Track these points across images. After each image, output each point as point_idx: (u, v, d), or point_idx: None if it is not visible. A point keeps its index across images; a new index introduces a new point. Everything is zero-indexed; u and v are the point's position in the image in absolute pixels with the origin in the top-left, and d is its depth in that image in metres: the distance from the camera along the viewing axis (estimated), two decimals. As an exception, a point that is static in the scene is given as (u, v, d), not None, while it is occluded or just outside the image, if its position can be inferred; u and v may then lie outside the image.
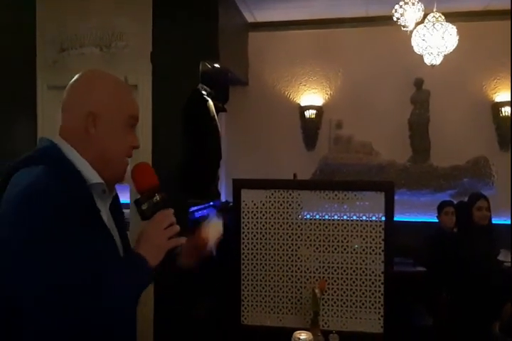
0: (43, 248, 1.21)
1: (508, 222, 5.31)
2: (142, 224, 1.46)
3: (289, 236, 2.74)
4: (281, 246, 2.75)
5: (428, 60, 4.43)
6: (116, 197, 1.60)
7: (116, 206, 1.58)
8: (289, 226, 2.74)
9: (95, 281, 1.25)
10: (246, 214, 2.78)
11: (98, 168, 1.44)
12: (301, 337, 2.29)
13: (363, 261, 2.67)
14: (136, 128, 1.55)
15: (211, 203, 5.10)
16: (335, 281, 2.69)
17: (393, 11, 4.23)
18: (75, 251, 1.25)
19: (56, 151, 1.41)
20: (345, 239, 2.69)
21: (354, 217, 2.70)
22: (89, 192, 1.40)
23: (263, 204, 2.77)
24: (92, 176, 1.42)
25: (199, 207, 4.78)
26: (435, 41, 4.26)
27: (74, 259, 1.24)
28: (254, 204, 2.78)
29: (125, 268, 1.35)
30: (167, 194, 1.48)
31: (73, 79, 1.49)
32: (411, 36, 4.35)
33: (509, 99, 5.66)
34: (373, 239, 2.66)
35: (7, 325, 1.27)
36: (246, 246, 2.78)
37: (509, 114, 5.64)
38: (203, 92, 4.29)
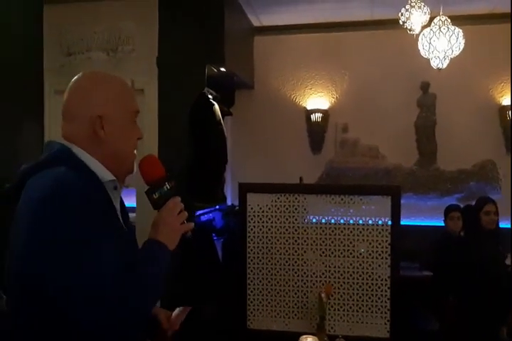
0: (78, 245, 1.25)
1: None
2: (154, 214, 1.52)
3: (295, 241, 2.74)
4: (287, 250, 2.74)
5: (434, 64, 4.42)
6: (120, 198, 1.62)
7: (120, 202, 1.61)
8: (295, 230, 2.74)
9: (126, 274, 1.30)
10: (252, 218, 2.78)
11: (109, 166, 1.48)
12: (307, 342, 2.29)
13: (369, 265, 2.67)
14: (142, 130, 1.59)
15: (217, 207, 5.10)
16: (341, 285, 2.69)
17: (399, 14, 4.23)
18: (106, 246, 1.30)
19: (69, 153, 1.44)
20: (351, 243, 2.69)
21: (360, 221, 2.69)
22: (105, 190, 1.46)
23: (269, 208, 2.77)
24: (105, 174, 1.47)
25: (205, 210, 4.78)
26: (441, 44, 4.25)
27: (105, 254, 1.28)
28: (260, 208, 2.78)
29: (149, 256, 1.41)
30: (175, 181, 1.54)
31: (70, 84, 1.51)
32: (417, 40, 4.35)
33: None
34: (379, 244, 2.66)
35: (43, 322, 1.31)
36: (252, 250, 2.77)
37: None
38: (209, 96, 4.30)
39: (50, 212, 1.26)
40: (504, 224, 4.37)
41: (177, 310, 1.74)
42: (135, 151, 1.57)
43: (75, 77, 1.52)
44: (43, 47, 4.34)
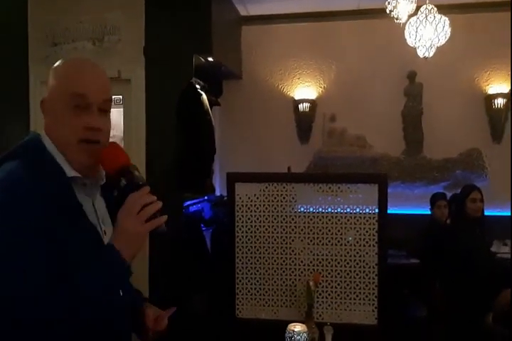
0: (8, 243, 1.18)
1: (501, 214, 5.36)
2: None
3: (283, 229, 2.75)
4: (275, 239, 2.76)
5: (421, 53, 4.43)
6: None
7: (108, 202, 1.53)
8: (283, 219, 2.75)
9: (62, 280, 1.20)
10: (240, 208, 2.79)
11: (67, 158, 1.36)
12: (296, 330, 2.30)
13: (357, 253, 2.69)
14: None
15: (205, 197, 5.11)
16: (329, 274, 2.71)
17: (386, 3, 4.23)
18: (39, 247, 1.20)
19: (38, 144, 1.36)
20: (339, 231, 2.70)
21: (348, 210, 2.71)
22: (68, 185, 1.34)
23: (257, 198, 2.78)
24: (67, 169, 1.35)
25: (193, 201, 4.79)
26: (428, 33, 4.26)
27: (37, 258, 1.20)
28: (249, 198, 2.79)
29: (97, 265, 1.27)
30: (137, 172, 1.36)
31: None
32: (404, 29, 4.36)
33: (502, 91, 5.68)
34: (367, 231, 2.68)
35: None
36: (240, 239, 2.79)
37: (502, 106, 5.66)
38: (197, 86, 4.29)
39: None
40: (489, 212, 4.41)
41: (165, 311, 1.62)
42: (88, 142, 1.37)
43: None
44: (27, 37, 4.31)
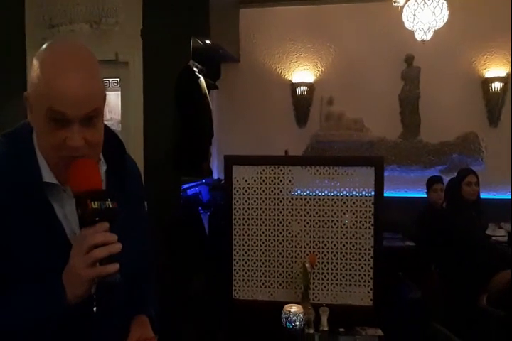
0: None
1: (496, 197, 5.40)
2: None
3: (280, 212, 2.77)
4: (272, 222, 2.78)
5: (419, 36, 4.43)
6: (122, 182, 1.33)
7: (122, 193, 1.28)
8: (280, 201, 2.77)
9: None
10: (237, 190, 2.81)
11: (48, 164, 1.21)
12: (292, 310, 2.34)
13: (353, 235, 2.72)
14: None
15: (203, 180, 5.13)
16: (325, 255, 2.74)
17: (384, -14, 4.22)
18: None
19: (25, 134, 1.24)
20: (335, 214, 2.73)
21: (344, 193, 2.73)
22: (38, 191, 1.18)
23: (254, 181, 2.80)
24: (46, 173, 1.21)
25: (191, 184, 4.81)
26: (426, 16, 4.26)
27: None
28: (246, 181, 2.81)
29: (36, 289, 1.14)
30: (97, 204, 1.12)
31: None
32: (402, 12, 4.35)
33: (499, 75, 5.68)
34: (363, 214, 2.70)
35: None
36: (237, 221, 2.81)
37: (499, 90, 5.66)
38: (195, 69, 4.28)
39: None
40: (485, 195, 4.45)
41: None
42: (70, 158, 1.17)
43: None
44: (24, 19, 4.28)
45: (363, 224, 2.70)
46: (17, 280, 1.13)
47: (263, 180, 2.79)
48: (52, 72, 1.13)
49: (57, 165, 1.18)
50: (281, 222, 2.77)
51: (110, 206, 1.12)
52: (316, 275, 2.73)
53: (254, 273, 2.82)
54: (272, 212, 2.78)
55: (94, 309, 1.16)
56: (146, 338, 1.37)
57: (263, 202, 2.79)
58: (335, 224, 2.73)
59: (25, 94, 1.19)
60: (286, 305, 2.38)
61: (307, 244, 2.76)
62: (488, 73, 5.72)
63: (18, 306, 1.12)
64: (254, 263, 2.81)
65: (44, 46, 1.20)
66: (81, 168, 1.15)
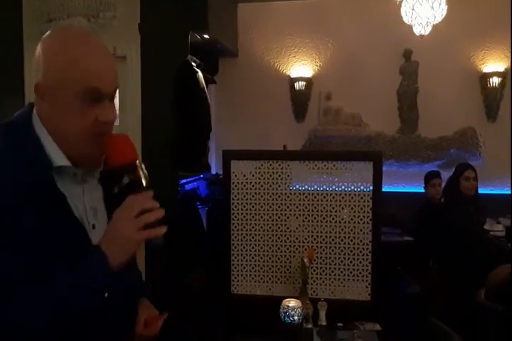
0: None
1: (494, 192, 5.41)
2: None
3: (279, 207, 2.77)
4: (270, 217, 2.78)
5: (417, 30, 4.43)
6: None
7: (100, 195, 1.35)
8: (279, 196, 2.77)
9: (34, 279, 1.10)
10: (236, 185, 2.80)
11: (64, 148, 1.21)
12: (290, 305, 2.34)
13: (351, 230, 2.71)
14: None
15: (201, 175, 5.12)
16: (323, 250, 2.73)
17: (383, -20, 4.21)
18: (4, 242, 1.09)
19: (24, 123, 1.24)
20: (333, 208, 2.72)
21: (342, 187, 2.72)
22: (49, 174, 1.18)
23: (253, 175, 2.79)
24: (56, 157, 1.20)
25: (189, 179, 4.80)
26: (424, 11, 4.25)
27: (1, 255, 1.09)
28: (244, 176, 2.80)
29: (77, 266, 1.15)
30: (142, 172, 1.21)
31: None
32: (400, 6, 4.34)
33: (497, 70, 5.68)
34: (361, 209, 2.70)
35: None
36: (236, 216, 2.81)
37: (497, 85, 5.66)
38: (193, 64, 4.27)
39: None
40: (483, 190, 4.45)
41: (155, 316, 1.46)
42: (102, 135, 1.23)
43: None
44: (22, 13, 4.26)
45: (361, 219, 2.70)
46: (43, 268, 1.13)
47: (261, 175, 2.78)
48: (81, 52, 1.18)
49: (87, 147, 1.21)
50: (279, 217, 2.77)
51: (147, 175, 1.21)
52: (314, 270, 2.73)
53: (253, 267, 2.81)
54: (270, 206, 2.78)
55: (106, 294, 1.17)
56: (155, 317, 1.43)
57: (261, 196, 2.79)
58: (333, 218, 2.73)
59: (38, 83, 1.20)
60: (285, 300, 2.38)
61: (305, 239, 2.76)
62: (487, 68, 5.72)
63: (65, 289, 1.12)
64: (253, 258, 2.81)
65: (50, 33, 1.24)
66: (122, 141, 1.22)
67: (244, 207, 2.80)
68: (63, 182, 1.21)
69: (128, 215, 1.15)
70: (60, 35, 1.24)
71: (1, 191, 1.11)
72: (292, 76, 6.07)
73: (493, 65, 5.70)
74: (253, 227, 2.79)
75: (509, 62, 5.65)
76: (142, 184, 1.19)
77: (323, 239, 2.73)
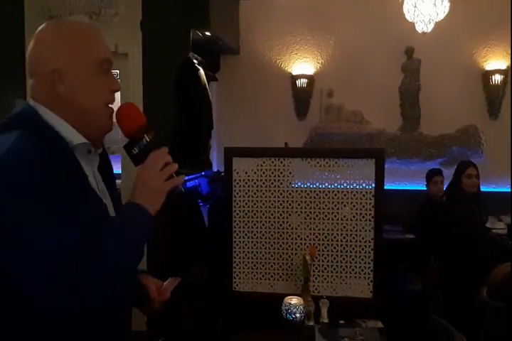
0: (36, 215, 1.14)
1: (496, 190, 5.40)
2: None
3: (280, 204, 2.77)
4: (272, 214, 2.78)
5: (419, 28, 4.42)
6: (105, 158, 1.49)
7: (106, 167, 1.48)
8: (280, 194, 2.77)
9: (95, 242, 1.18)
10: (238, 183, 2.81)
11: (80, 126, 1.33)
12: (292, 303, 2.34)
13: (353, 227, 2.71)
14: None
15: (203, 173, 5.12)
16: (325, 248, 2.73)
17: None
18: (62, 222, 1.17)
19: (33, 114, 1.31)
20: (335, 206, 2.72)
21: (344, 185, 2.73)
22: (72, 155, 1.31)
23: (254, 173, 2.79)
24: (74, 137, 1.32)
25: (190, 176, 4.79)
26: (427, 8, 4.25)
27: (68, 224, 1.17)
28: (246, 173, 2.80)
29: (124, 222, 1.28)
30: (154, 132, 1.38)
31: (33, 37, 1.36)
32: (402, 4, 4.33)
33: (499, 68, 5.67)
34: (363, 206, 2.70)
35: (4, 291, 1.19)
36: (238, 214, 2.81)
37: (499, 83, 5.65)
38: (194, 61, 4.26)
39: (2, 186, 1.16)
40: (485, 188, 4.45)
41: (167, 281, 1.61)
42: (111, 105, 1.39)
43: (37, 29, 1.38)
44: (23, 10, 4.26)
45: (363, 217, 2.70)
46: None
47: (263, 172, 2.79)
48: (85, 31, 1.36)
49: (103, 118, 1.36)
50: (281, 214, 2.77)
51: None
52: (316, 268, 2.73)
53: (255, 265, 2.82)
54: (272, 204, 2.78)
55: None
56: (167, 283, 1.60)
57: (263, 194, 2.79)
58: (335, 216, 2.73)
59: (55, 68, 1.30)
60: (287, 297, 2.38)
61: (307, 236, 2.76)
62: (489, 66, 5.71)
63: (120, 236, 1.24)
64: (255, 255, 2.81)
65: (47, 26, 1.37)
66: (133, 108, 1.39)
67: (246, 204, 2.80)
68: (84, 157, 1.35)
69: (155, 169, 1.31)
70: (60, 23, 1.41)
71: (37, 169, 1.18)
72: (294, 73, 6.05)
73: (495, 62, 5.69)
74: (255, 225, 2.80)
75: (510, 59, 5.64)
76: (156, 142, 1.36)
77: (325, 237, 2.74)
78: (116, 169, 4.00)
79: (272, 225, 2.78)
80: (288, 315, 2.31)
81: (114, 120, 1.40)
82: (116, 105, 1.40)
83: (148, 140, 1.35)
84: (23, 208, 1.15)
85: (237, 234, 2.82)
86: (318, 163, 2.74)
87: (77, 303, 1.16)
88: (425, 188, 4.80)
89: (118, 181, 3.81)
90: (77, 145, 1.32)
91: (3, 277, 1.16)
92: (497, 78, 5.65)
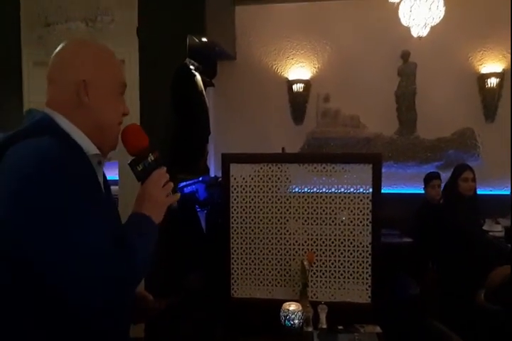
0: (67, 223, 1.20)
1: (493, 193, 5.41)
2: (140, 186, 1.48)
3: (278, 210, 2.77)
4: (270, 220, 2.78)
5: (415, 32, 4.44)
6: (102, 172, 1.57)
7: (104, 178, 1.55)
8: (278, 199, 2.77)
9: (115, 250, 1.24)
10: (235, 188, 2.81)
11: (94, 138, 1.42)
12: (291, 309, 2.35)
13: (351, 232, 2.71)
14: (129, 97, 1.55)
15: (200, 178, 5.12)
16: (323, 253, 2.74)
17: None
18: (94, 223, 1.24)
19: (52, 122, 1.36)
20: (333, 211, 2.72)
21: (342, 190, 2.73)
22: (89, 163, 1.40)
23: (252, 178, 2.79)
24: (90, 147, 1.40)
25: (188, 182, 4.79)
26: (422, 12, 4.26)
27: (93, 232, 1.23)
28: (243, 179, 2.80)
29: (138, 230, 1.36)
30: (159, 152, 1.50)
31: (58, 49, 1.44)
32: (398, 8, 4.35)
33: (495, 71, 5.69)
34: (361, 211, 2.70)
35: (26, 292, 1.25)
36: (235, 220, 2.81)
37: (495, 86, 5.68)
38: (191, 67, 4.27)
39: (36, 192, 1.20)
40: (481, 191, 4.45)
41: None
42: (120, 126, 1.50)
43: (63, 43, 1.45)
44: (19, 17, 4.26)
45: (360, 221, 2.70)
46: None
47: (260, 178, 2.79)
48: (113, 57, 1.49)
49: (114, 136, 1.47)
50: (279, 220, 2.77)
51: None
52: (314, 273, 2.73)
53: (252, 271, 2.81)
54: (269, 209, 2.78)
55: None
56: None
57: (261, 199, 2.79)
58: (333, 221, 2.73)
59: (84, 78, 1.38)
60: (285, 304, 2.38)
61: (305, 242, 2.76)
62: (484, 69, 5.74)
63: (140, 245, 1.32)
64: (252, 261, 2.81)
65: (77, 39, 1.59)
66: (139, 130, 1.51)
67: (244, 210, 2.80)
68: (95, 166, 1.44)
69: (158, 185, 1.44)
70: (92, 43, 1.51)
71: (70, 171, 1.26)
72: (290, 78, 6.07)
73: (490, 65, 5.71)
74: (252, 230, 2.80)
75: (506, 62, 5.66)
76: (159, 162, 1.49)
77: (323, 242, 2.74)
78: (114, 175, 4.03)
79: (269, 231, 2.78)
80: (286, 322, 2.32)
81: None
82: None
83: (152, 159, 1.47)
84: (62, 207, 1.21)
85: (235, 240, 2.82)
86: (315, 168, 2.74)
87: (100, 300, 1.23)
88: (422, 192, 4.80)
89: (115, 187, 3.82)
90: (91, 155, 1.41)
91: (27, 266, 1.21)
92: (492, 81, 5.67)
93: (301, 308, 2.35)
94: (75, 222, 1.21)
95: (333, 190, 2.74)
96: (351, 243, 2.71)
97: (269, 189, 2.78)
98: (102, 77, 1.42)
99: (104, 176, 1.55)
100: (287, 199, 2.77)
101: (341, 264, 2.73)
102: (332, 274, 2.74)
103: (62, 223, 1.20)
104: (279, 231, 2.77)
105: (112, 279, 1.22)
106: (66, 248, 1.19)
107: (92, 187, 1.36)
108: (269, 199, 2.78)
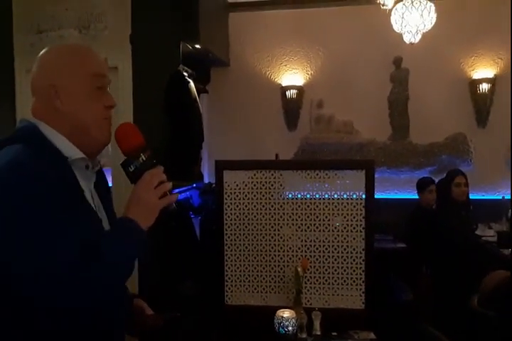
0: (30, 224, 1.20)
1: (486, 197, 5.44)
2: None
3: (272, 216, 2.77)
4: (263, 226, 2.78)
5: (407, 38, 4.46)
6: (102, 174, 1.56)
7: (102, 184, 1.55)
8: (272, 206, 2.77)
9: (85, 254, 1.23)
10: (229, 195, 2.81)
11: (78, 141, 1.40)
12: (285, 315, 2.34)
13: (345, 238, 2.72)
14: (117, 108, 1.53)
15: (194, 185, 5.11)
16: (317, 259, 2.74)
17: (372, -11, 4.25)
18: (61, 232, 1.23)
19: (33, 130, 1.37)
20: (326, 217, 2.73)
21: (335, 196, 2.73)
22: (70, 170, 1.37)
23: (245, 185, 2.79)
24: (72, 152, 1.38)
25: (182, 189, 4.79)
26: (414, 19, 4.29)
27: (60, 242, 1.22)
28: (237, 185, 2.80)
29: (114, 234, 1.34)
30: (151, 151, 1.43)
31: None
32: (390, 15, 4.37)
33: (486, 76, 5.72)
34: (354, 217, 2.70)
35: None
36: (229, 226, 2.81)
37: (486, 91, 5.71)
38: (184, 74, 4.28)
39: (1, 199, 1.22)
40: (474, 196, 4.47)
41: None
42: (108, 119, 1.47)
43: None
44: (12, 25, 4.26)
45: (354, 227, 2.71)
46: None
47: (254, 185, 2.79)
48: (83, 51, 1.45)
49: (100, 132, 1.43)
50: (272, 227, 2.77)
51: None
52: (308, 280, 2.73)
53: (246, 278, 2.81)
54: (263, 216, 2.78)
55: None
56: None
57: (254, 206, 2.79)
58: (326, 227, 2.73)
59: (51, 83, 1.38)
60: (279, 310, 2.38)
61: (299, 248, 2.76)
62: (476, 74, 5.77)
63: (114, 250, 1.29)
64: (246, 268, 2.81)
65: (49, 48, 1.45)
66: (133, 127, 1.47)
67: (238, 216, 2.80)
68: (80, 172, 1.41)
69: (149, 186, 1.36)
70: (60, 45, 1.48)
71: (37, 179, 1.24)
72: (283, 84, 6.09)
73: (482, 71, 5.75)
74: (246, 237, 2.79)
75: (498, 68, 5.70)
76: (154, 160, 1.41)
77: (317, 248, 2.74)
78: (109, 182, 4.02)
79: (263, 237, 2.78)
80: (281, 329, 2.31)
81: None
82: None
83: (144, 159, 1.40)
84: (24, 216, 1.20)
85: (229, 247, 2.81)
86: (308, 174, 2.75)
87: (71, 304, 1.21)
88: (416, 197, 4.81)
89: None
90: (75, 160, 1.38)
91: (4, 278, 1.22)
92: (484, 86, 5.71)
93: (295, 315, 2.35)
94: (37, 230, 1.20)
95: (326, 196, 2.74)
96: (345, 249, 2.72)
97: (263, 195, 2.78)
98: (69, 78, 1.39)
99: (102, 180, 1.55)
100: (281, 206, 2.77)
101: (335, 270, 2.73)
102: (326, 280, 2.74)
103: (23, 232, 1.20)
104: (272, 237, 2.77)
105: (77, 287, 1.21)
106: (28, 258, 1.19)
107: (64, 193, 1.29)
108: (263, 206, 2.78)
